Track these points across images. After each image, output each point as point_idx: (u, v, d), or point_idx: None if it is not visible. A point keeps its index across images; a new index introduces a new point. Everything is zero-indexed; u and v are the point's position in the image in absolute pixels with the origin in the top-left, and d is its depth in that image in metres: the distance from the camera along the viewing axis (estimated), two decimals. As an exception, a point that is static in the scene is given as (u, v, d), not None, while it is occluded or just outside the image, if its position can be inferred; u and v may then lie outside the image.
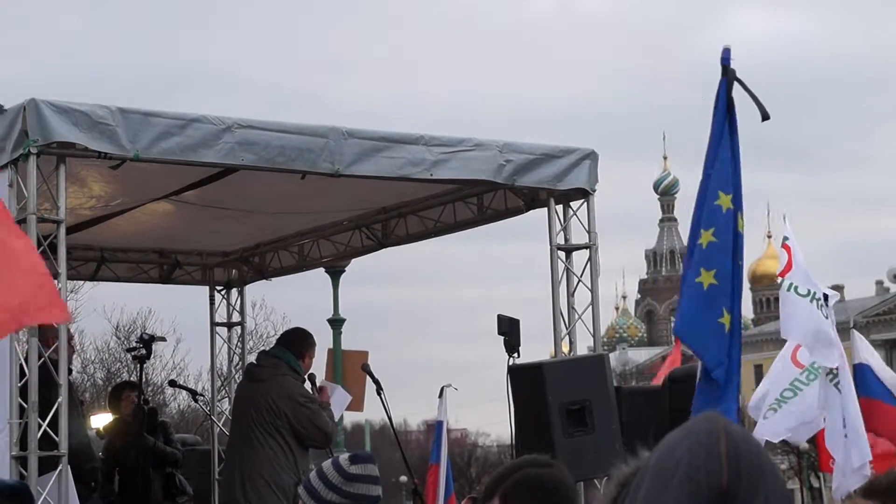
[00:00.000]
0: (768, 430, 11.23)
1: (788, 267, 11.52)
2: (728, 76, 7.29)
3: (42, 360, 8.68)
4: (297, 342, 10.86)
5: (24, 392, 8.58)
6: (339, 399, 11.69)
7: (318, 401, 10.72)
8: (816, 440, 13.55)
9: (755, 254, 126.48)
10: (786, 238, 11.90)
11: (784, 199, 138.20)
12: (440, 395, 14.51)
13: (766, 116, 7.47)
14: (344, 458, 5.22)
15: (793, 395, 11.36)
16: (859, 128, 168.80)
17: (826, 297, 11.24)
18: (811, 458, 51.96)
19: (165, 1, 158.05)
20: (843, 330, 12.16)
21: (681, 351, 19.57)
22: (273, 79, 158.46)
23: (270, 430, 10.35)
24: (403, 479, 57.15)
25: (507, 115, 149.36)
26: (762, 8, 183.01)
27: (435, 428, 15.27)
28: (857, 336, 12.85)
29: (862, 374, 12.21)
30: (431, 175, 10.33)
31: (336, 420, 12.12)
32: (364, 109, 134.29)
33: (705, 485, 2.10)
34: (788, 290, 11.23)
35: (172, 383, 21.35)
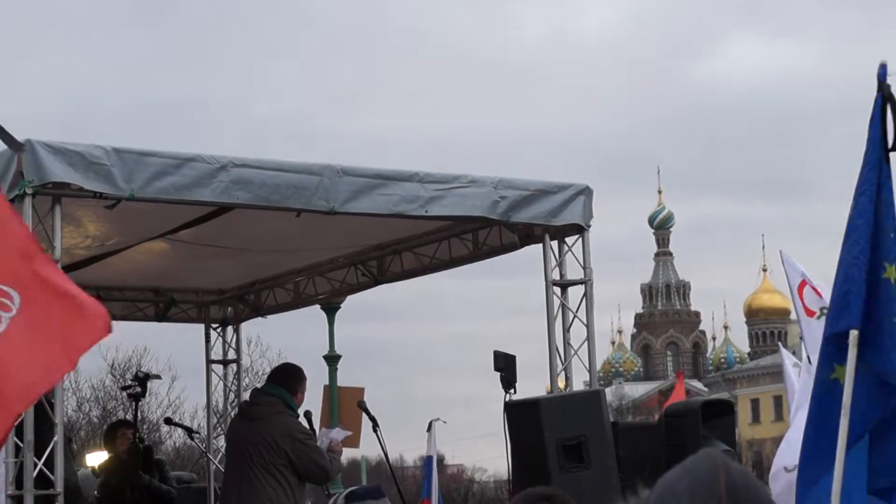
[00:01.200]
0: None
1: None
2: (883, 92, 6.79)
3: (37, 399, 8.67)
4: (290, 378, 10.83)
5: (19, 431, 8.56)
6: (339, 436, 11.67)
7: (319, 440, 10.70)
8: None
9: (750, 288, 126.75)
10: (804, 275, 11.74)
11: (779, 230, 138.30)
12: (428, 430, 14.50)
13: None
14: (343, 495, 5.16)
15: None
16: (854, 159, 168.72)
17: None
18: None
19: (161, 34, 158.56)
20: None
21: (684, 385, 19.55)
22: (266, 112, 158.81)
23: (270, 469, 10.32)
24: (400, 515, 57.01)
25: (501, 146, 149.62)
26: (760, 39, 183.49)
27: (425, 464, 15.27)
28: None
29: None
30: (426, 212, 10.35)
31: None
32: (360, 141, 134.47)
33: None
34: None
35: (168, 421, 21.32)
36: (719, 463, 2.18)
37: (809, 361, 11.47)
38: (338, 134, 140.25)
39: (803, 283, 11.54)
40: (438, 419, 14.52)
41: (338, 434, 11.44)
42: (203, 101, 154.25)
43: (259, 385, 11.90)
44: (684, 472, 2.19)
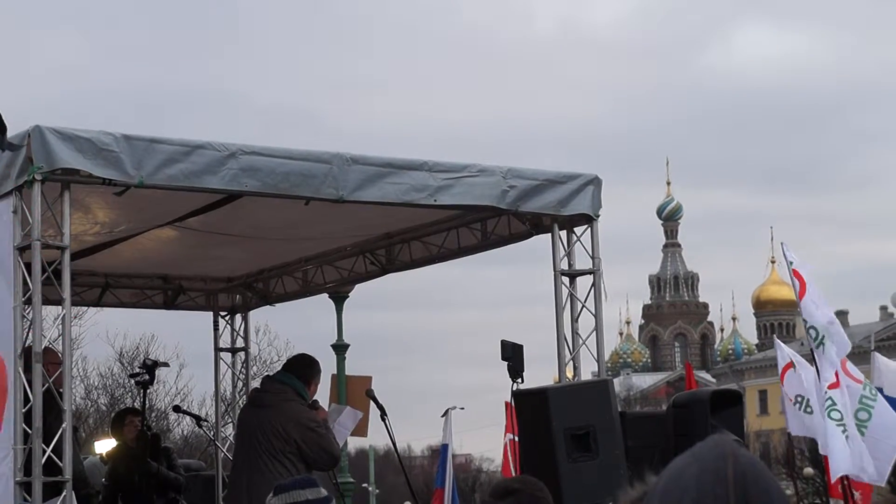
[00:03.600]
0: (864, 453, 11.24)
1: (803, 292, 11.51)
2: None
3: (45, 386, 8.68)
4: (304, 368, 10.82)
5: (28, 418, 8.57)
6: (349, 417, 11.67)
7: (324, 425, 10.69)
8: (825, 466, 13.50)
9: (758, 279, 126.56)
10: (791, 263, 11.88)
11: (787, 222, 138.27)
12: (444, 416, 14.41)
13: None
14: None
15: (868, 418, 11.37)
16: (864, 150, 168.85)
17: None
18: (816, 483, 51.80)
19: (166, 21, 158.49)
20: (860, 353, 12.18)
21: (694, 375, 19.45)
22: (276, 100, 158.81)
23: (279, 456, 10.32)
24: (407, 504, 57.09)
25: (509, 137, 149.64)
26: (769, 30, 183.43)
27: (440, 452, 15.24)
28: (881, 360, 12.82)
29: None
30: (435, 201, 10.34)
31: (346, 438, 12.10)
32: (367, 131, 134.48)
33: None
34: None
35: (177, 409, 21.39)
36: (727, 451, 2.17)
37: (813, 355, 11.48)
38: (344, 126, 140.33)
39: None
40: (455, 407, 14.46)
41: (348, 415, 11.46)
42: (206, 90, 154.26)
43: (270, 373, 11.90)
44: (692, 459, 2.18)
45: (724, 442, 2.19)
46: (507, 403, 15.59)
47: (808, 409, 12.08)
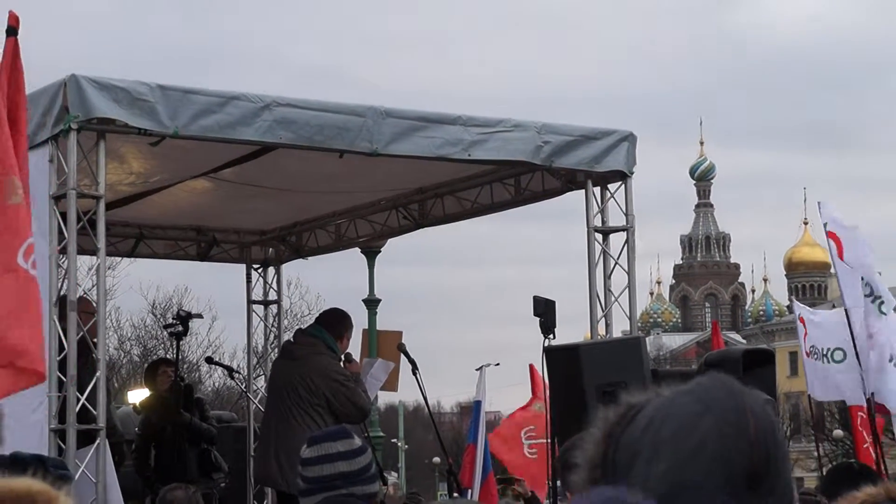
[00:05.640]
0: None
1: (840, 253, 11.39)
2: None
3: (80, 335, 8.73)
4: (336, 323, 10.85)
5: (62, 366, 8.63)
6: (381, 369, 11.70)
7: (355, 378, 10.72)
8: (852, 428, 13.44)
9: (790, 241, 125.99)
10: (826, 225, 11.76)
11: (821, 183, 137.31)
12: (478, 371, 14.36)
13: None
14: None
15: None
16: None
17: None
18: (845, 444, 51.73)
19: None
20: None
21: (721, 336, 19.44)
22: (306, 56, 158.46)
23: (307, 409, 10.37)
24: (437, 459, 57.22)
25: (540, 96, 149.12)
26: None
27: (472, 408, 15.20)
28: None
29: None
30: (469, 155, 10.31)
31: (377, 389, 12.15)
32: (394, 87, 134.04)
33: (736, 466, 2.04)
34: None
35: (209, 360, 21.41)
36: (744, 404, 2.08)
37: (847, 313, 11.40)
38: (368, 80, 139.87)
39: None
40: (489, 364, 14.39)
41: (381, 367, 11.50)
42: (231, 46, 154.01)
43: (302, 327, 11.94)
44: (704, 408, 2.07)
45: (735, 390, 2.10)
46: (531, 366, 15.52)
47: (832, 359, 12.00)
